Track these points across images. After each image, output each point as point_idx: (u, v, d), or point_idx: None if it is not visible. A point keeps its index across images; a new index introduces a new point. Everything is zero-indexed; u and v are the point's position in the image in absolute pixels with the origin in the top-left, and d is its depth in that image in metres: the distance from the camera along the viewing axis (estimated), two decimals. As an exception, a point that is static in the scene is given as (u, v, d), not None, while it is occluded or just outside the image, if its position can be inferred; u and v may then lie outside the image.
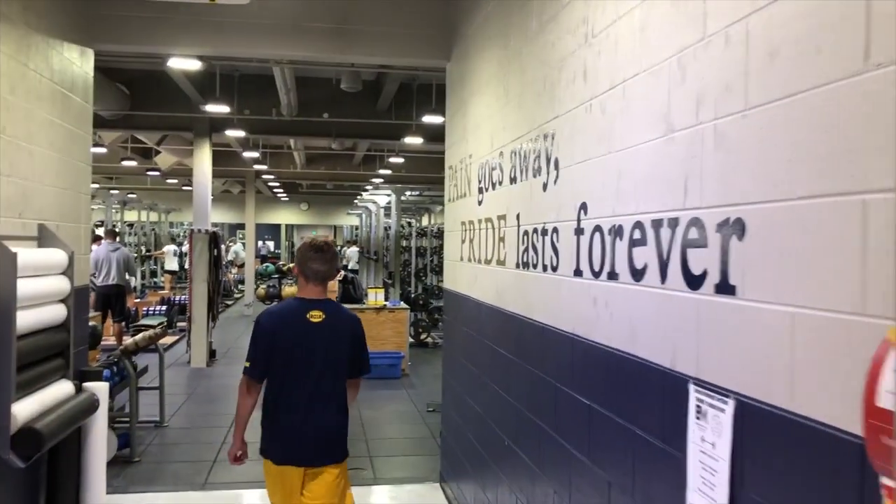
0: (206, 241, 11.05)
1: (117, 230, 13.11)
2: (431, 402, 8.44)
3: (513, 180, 3.84)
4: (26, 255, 3.77)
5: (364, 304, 11.00)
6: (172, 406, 8.31)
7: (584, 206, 2.80)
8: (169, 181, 23.47)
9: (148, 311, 14.70)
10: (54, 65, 4.67)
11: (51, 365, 4.09)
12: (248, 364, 3.54)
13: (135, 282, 14.24)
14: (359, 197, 17.39)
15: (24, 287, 3.63)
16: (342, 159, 19.49)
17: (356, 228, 29.06)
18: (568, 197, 2.98)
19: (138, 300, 16.53)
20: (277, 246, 39.92)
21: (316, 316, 3.51)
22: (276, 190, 25.63)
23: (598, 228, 2.66)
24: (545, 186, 3.28)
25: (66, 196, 4.93)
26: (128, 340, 6.29)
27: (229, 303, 18.42)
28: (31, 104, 4.28)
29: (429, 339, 13.32)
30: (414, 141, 11.45)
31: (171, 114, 11.04)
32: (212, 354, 11.25)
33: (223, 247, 22.15)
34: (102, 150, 14.92)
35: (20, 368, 3.60)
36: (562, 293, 3.05)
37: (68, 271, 4.29)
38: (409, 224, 19.40)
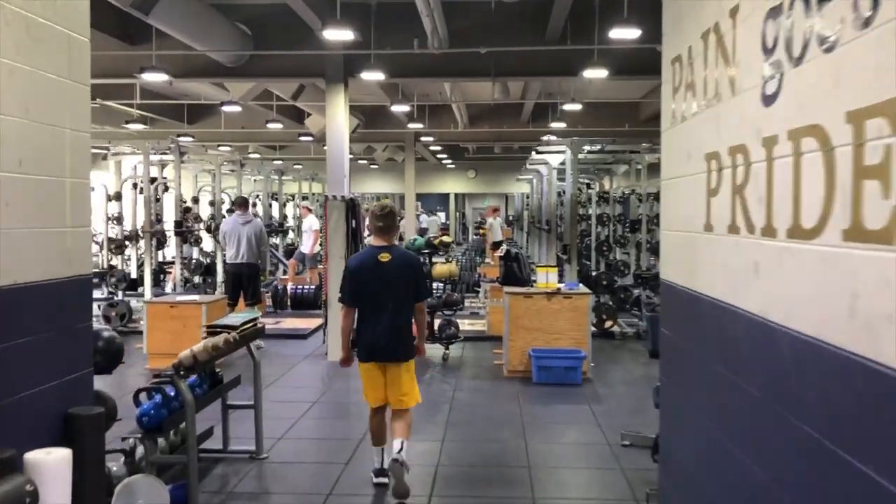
0: (342, 211, 9.13)
1: (249, 199, 11.53)
2: (627, 432, 5.97)
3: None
4: None
5: (531, 285, 8.64)
6: (284, 423, 6.41)
7: None
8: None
9: (297, 289, 13.18)
10: None
11: None
12: (340, 294, 5.07)
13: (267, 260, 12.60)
14: (529, 158, 14.93)
15: None
16: (509, 115, 17.12)
17: (527, 197, 26.70)
18: None
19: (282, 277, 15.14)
20: (447, 217, 38.24)
21: (385, 257, 4.91)
22: (439, 156, 23.73)
23: None
24: None
25: (35, 134, 2.96)
26: (184, 352, 4.32)
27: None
28: None
29: (615, 328, 10.75)
30: (596, 74, 8.85)
31: (299, 52, 9.16)
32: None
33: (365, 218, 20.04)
34: (236, 108, 13.51)
35: None
36: None
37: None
38: (588, 187, 16.72)
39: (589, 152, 12.42)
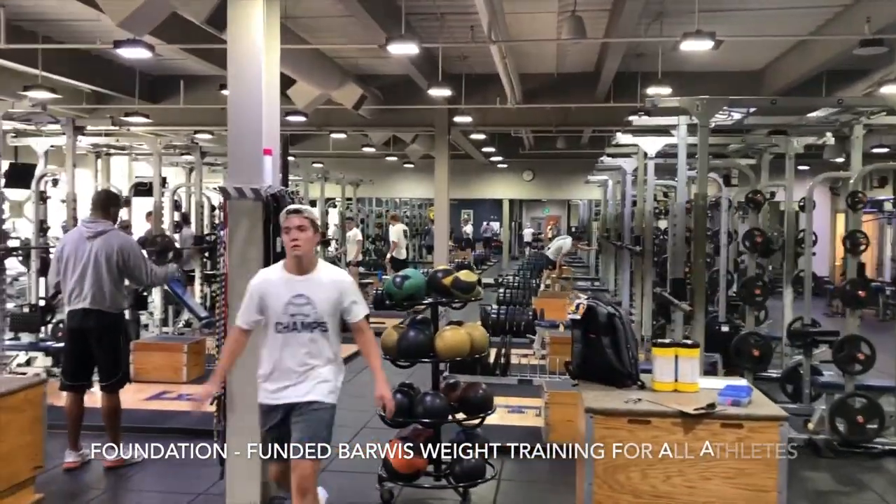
0: (254, 214, 4.56)
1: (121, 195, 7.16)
2: None
3: None
4: None
5: (637, 385, 3.86)
6: None
7: None
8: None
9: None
10: None
11: None
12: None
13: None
14: (613, 142, 10.14)
15: None
16: (579, 87, 12.35)
17: (596, 204, 21.80)
18: None
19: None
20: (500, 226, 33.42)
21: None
22: (485, 150, 18.99)
23: None
24: None
25: None
26: None
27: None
28: None
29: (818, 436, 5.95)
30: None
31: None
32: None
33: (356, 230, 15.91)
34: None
35: None
36: None
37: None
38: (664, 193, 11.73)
39: (721, 128, 7.58)
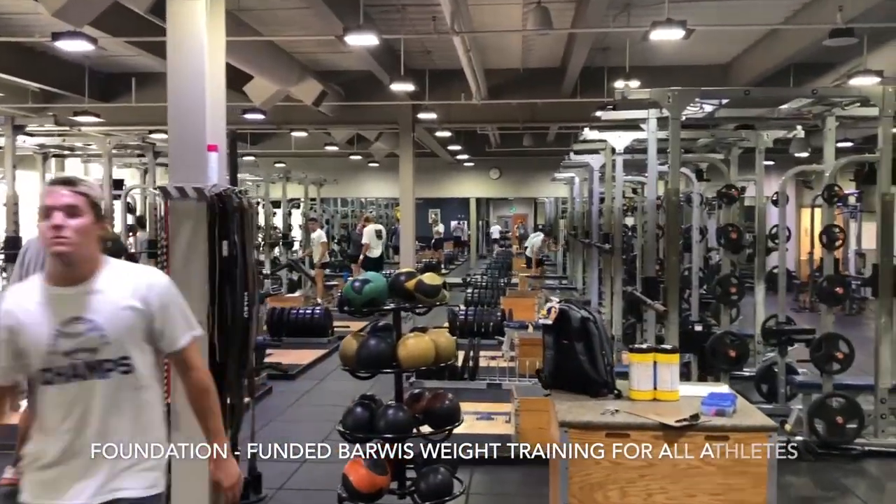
0: (197, 216, 4.20)
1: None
2: None
3: None
4: None
5: (614, 395, 3.57)
6: None
7: None
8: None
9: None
10: None
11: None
12: None
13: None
14: (578, 142, 9.91)
15: None
16: (544, 82, 12.11)
17: (563, 203, 21.62)
18: None
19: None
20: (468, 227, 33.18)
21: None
22: (451, 147, 18.67)
23: None
24: None
25: None
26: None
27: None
28: None
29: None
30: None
31: None
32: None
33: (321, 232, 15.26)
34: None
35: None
36: None
37: None
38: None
39: (690, 123, 7.36)
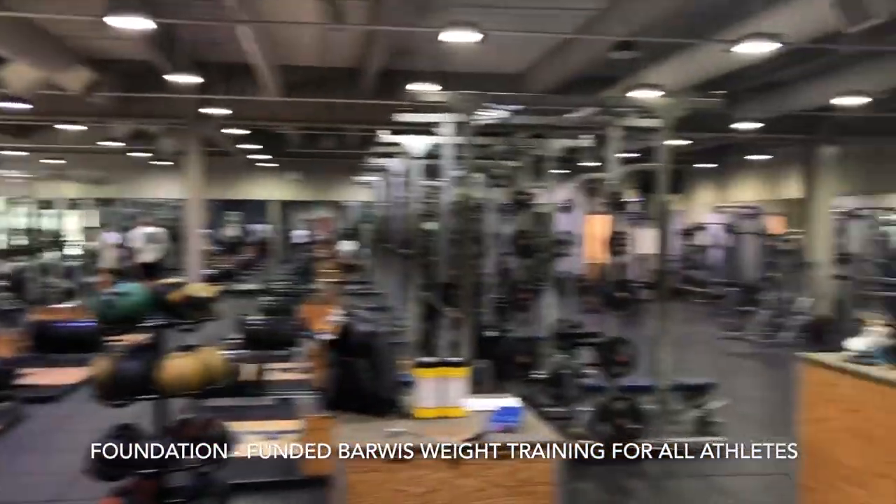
0: None
1: None
2: None
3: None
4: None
5: (395, 412, 3.27)
6: None
7: None
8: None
9: None
10: None
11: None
12: None
13: None
14: (376, 145, 9.66)
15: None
16: (343, 82, 11.77)
17: (368, 207, 21.35)
18: None
19: None
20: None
21: None
22: (244, 146, 17.75)
23: None
24: None
25: None
26: None
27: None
28: None
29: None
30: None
31: None
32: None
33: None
34: None
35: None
36: None
37: None
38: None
39: (486, 130, 7.29)
